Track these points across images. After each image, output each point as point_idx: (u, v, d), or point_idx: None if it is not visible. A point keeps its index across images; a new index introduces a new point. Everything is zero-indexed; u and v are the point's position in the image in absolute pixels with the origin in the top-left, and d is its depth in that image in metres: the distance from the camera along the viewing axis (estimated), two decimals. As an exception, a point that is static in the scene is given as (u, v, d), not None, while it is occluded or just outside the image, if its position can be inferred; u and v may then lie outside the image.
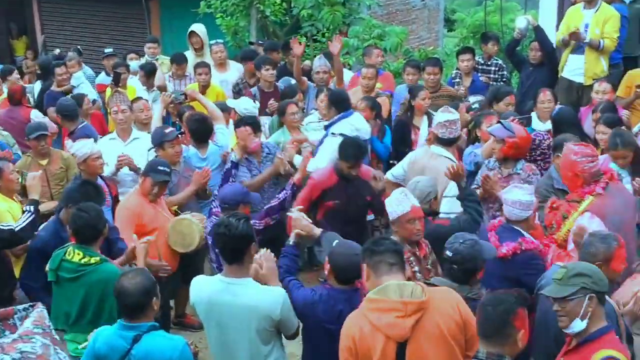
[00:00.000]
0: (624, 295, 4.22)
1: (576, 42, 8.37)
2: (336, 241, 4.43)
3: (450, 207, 5.65)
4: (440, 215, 5.60)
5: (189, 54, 10.00)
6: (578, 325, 3.57)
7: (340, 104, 6.97)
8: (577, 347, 3.62)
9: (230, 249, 4.05)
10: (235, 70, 9.67)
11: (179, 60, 9.51)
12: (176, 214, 6.17)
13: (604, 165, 5.45)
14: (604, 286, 3.63)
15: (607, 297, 3.77)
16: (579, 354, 3.60)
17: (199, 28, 10.01)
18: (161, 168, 5.88)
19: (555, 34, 8.83)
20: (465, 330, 3.57)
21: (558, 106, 7.41)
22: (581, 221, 4.83)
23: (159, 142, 6.55)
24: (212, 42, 9.87)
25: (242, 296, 4.04)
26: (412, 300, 3.45)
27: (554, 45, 8.88)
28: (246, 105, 7.53)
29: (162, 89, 8.89)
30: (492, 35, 10.02)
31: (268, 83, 8.71)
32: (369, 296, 3.55)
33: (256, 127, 6.67)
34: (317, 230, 4.73)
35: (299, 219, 4.77)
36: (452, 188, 5.68)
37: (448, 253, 4.16)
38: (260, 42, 10.94)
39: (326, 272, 4.24)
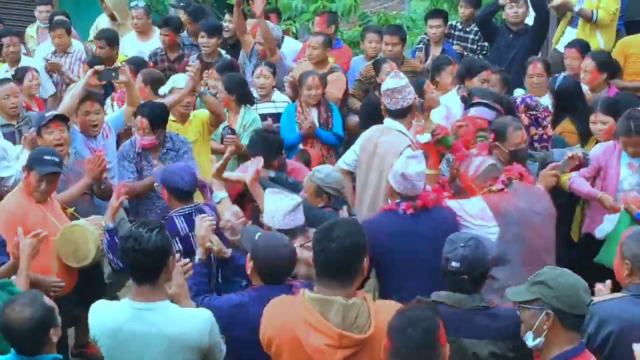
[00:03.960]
0: None
1: (572, 13, 8.40)
2: (258, 234, 4.46)
3: None
4: None
5: (104, 20, 9.96)
6: (529, 340, 3.62)
7: None
8: None
9: (142, 268, 3.93)
10: (158, 40, 9.49)
11: (53, 25, 9.34)
12: (73, 217, 5.94)
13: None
14: (573, 307, 3.58)
15: None
16: None
17: None
18: (48, 158, 5.62)
19: None
20: None
21: (562, 75, 7.26)
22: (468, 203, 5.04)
23: (36, 127, 6.38)
24: (132, 4, 9.84)
25: (159, 325, 3.91)
26: (350, 334, 3.53)
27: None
28: None
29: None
30: None
31: (208, 54, 8.58)
32: (308, 297, 3.61)
33: (155, 121, 6.44)
34: (227, 250, 4.81)
35: (203, 232, 4.77)
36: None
37: (454, 264, 4.08)
38: (182, 4, 10.72)
39: (248, 272, 4.33)
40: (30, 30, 10.35)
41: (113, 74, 7.07)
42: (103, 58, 8.64)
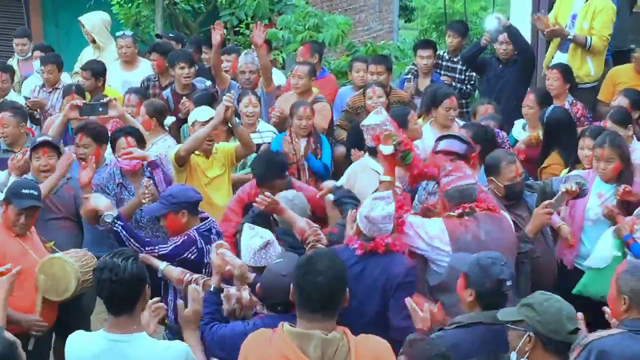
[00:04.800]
0: None
1: (562, 38, 8.43)
2: (279, 260, 4.57)
3: None
4: None
5: (89, 51, 9.99)
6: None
7: None
8: None
9: (119, 298, 3.97)
10: (147, 70, 9.52)
11: (44, 60, 9.20)
12: (53, 251, 5.89)
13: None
14: (553, 332, 3.72)
15: None
16: None
17: (87, 18, 10.02)
18: (26, 191, 5.63)
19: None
20: None
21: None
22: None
23: (30, 153, 6.40)
24: (119, 33, 9.83)
25: (133, 357, 3.93)
26: None
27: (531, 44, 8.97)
28: None
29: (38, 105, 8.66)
30: (456, 24, 9.89)
31: (182, 85, 8.58)
32: (287, 331, 3.60)
33: (139, 137, 6.50)
34: (249, 274, 4.75)
35: (220, 260, 4.79)
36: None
37: (509, 283, 4.26)
38: (170, 34, 10.85)
39: (256, 294, 4.52)
40: (11, 63, 10.39)
41: (100, 109, 6.90)
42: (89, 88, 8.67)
